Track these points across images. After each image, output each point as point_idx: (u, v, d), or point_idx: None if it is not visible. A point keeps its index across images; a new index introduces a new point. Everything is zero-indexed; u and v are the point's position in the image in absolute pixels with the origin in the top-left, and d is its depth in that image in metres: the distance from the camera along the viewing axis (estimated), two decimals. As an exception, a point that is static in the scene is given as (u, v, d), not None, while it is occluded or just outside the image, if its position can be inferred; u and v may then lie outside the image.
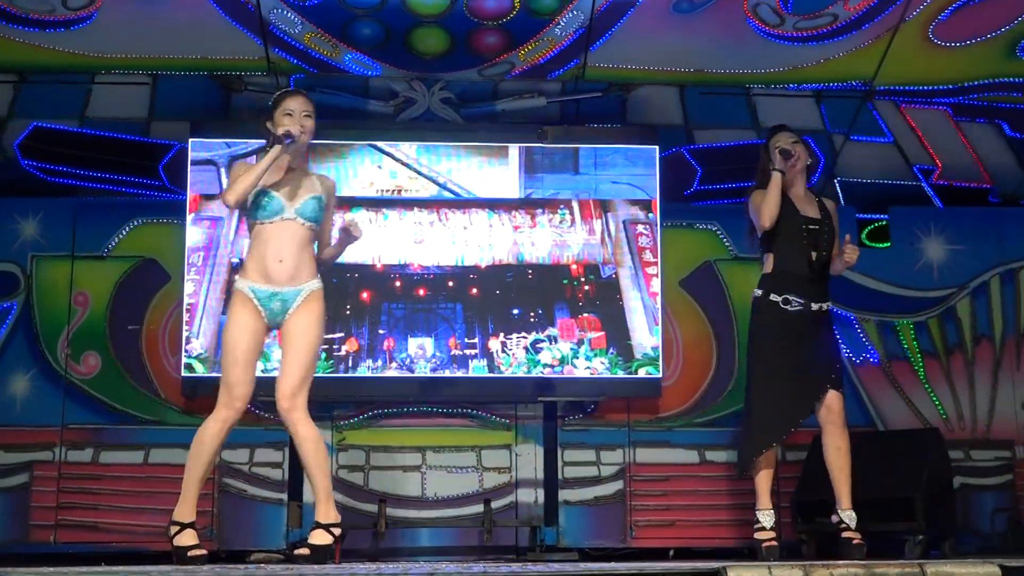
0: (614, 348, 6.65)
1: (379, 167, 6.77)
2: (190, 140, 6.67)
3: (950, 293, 7.09)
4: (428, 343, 6.62)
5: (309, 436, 4.49)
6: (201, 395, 6.54)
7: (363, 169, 6.77)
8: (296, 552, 4.49)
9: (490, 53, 6.61)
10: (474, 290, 6.70)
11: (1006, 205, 7.32)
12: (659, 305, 6.71)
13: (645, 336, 6.68)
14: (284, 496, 6.63)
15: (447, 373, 6.61)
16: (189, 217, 6.61)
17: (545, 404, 6.78)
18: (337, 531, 4.46)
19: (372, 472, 6.72)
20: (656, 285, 6.73)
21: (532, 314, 6.67)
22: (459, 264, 6.72)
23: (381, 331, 6.61)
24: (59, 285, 6.76)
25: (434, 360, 6.61)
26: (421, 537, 6.67)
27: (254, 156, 4.60)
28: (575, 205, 6.82)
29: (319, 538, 4.44)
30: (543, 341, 6.65)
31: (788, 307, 5.00)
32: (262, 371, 6.44)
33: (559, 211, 6.81)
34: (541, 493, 6.75)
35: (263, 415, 6.68)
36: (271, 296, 4.43)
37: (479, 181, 6.79)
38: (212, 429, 4.38)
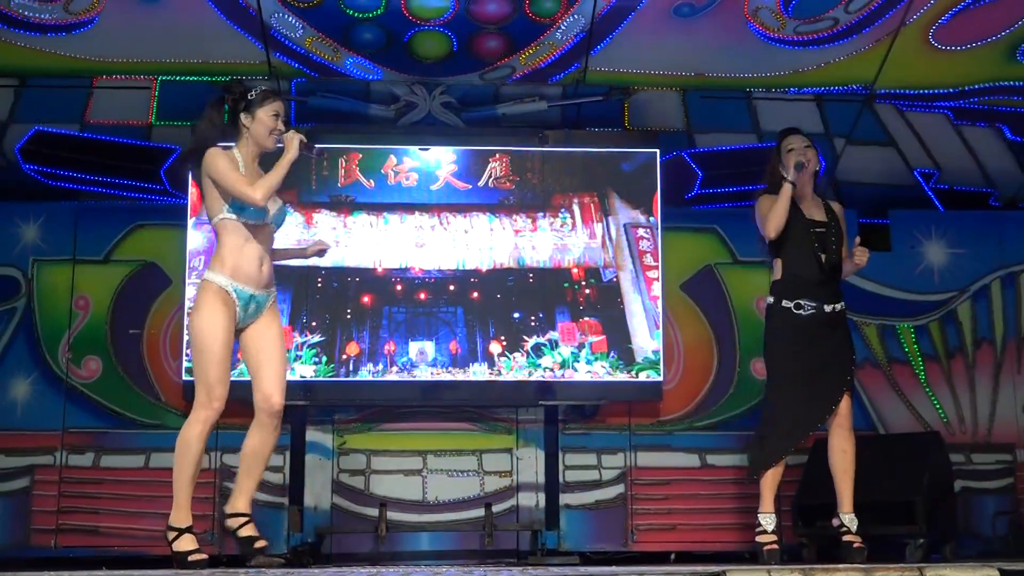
0: (615, 352, 6.65)
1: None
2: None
3: (951, 296, 7.09)
4: (429, 347, 6.62)
5: (274, 444, 4.47)
6: (202, 399, 6.55)
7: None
8: (258, 547, 4.41)
9: (491, 57, 6.61)
10: (475, 294, 6.70)
11: (1007, 208, 7.33)
12: (660, 309, 6.71)
13: (646, 339, 6.68)
14: (285, 500, 6.64)
15: (448, 376, 6.61)
16: (190, 221, 6.62)
17: (546, 408, 6.78)
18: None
19: (373, 476, 6.72)
20: (657, 289, 6.73)
21: (533, 318, 6.67)
22: (460, 268, 6.72)
23: (382, 335, 6.61)
24: (60, 289, 6.77)
25: (435, 364, 6.61)
26: (422, 541, 6.67)
27: (234, 149, 4.36)
28: (576, 208, 6.82)
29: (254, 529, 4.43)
30: (544, 345, 6.65)
31: (801, 312, 5.00)
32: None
33: (560, 214, 6.81)
34: (542, 497, 6.75)
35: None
36: (250, 299, 4.37)
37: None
38: (196, 431, 4.28)
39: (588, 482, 6.77)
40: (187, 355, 6.49)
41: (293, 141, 4.43)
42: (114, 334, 6.74)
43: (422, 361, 6.59)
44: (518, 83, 6.90)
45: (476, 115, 7.02)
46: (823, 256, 5.04)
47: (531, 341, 6.64)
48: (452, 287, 6.69)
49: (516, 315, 6.68)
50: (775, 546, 4.97)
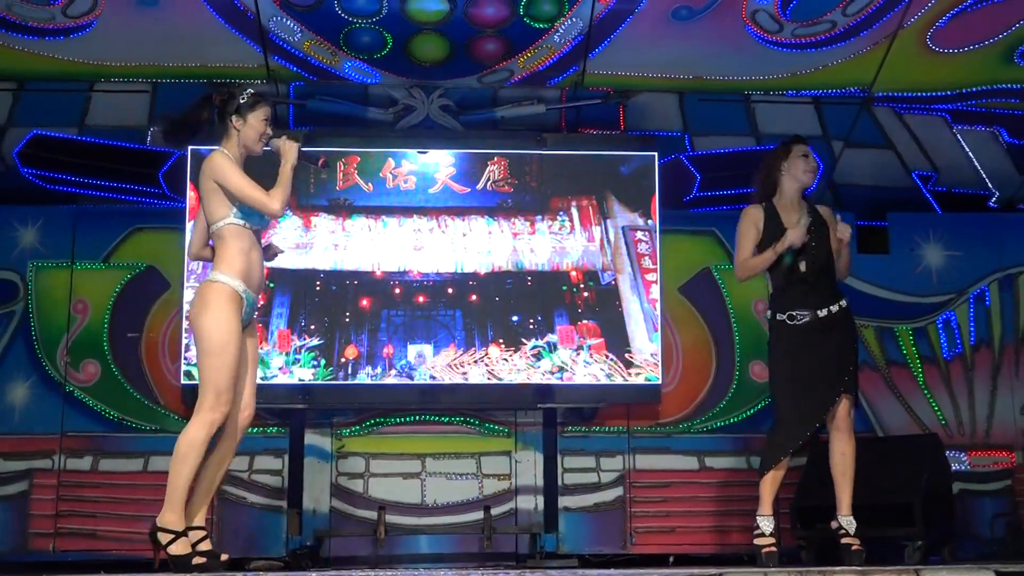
0: (613, 354, 6.65)
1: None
2: (189, 148, 6.66)
3: (949, 299, 7.10)
4: (428, 350, 6.62)
5: (232, 456, 4.45)
6: (201, 402, 6.54)
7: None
8: (224, 559, 4.32)
9: (489, 60, 6.62)
10: (473, 297, 6.70)
11: (1004, 211, 7.33)
12: (658, 311, 6.72)
13: (644, 342, 6.68)
14: (284, 503, 6.63)
15: (447, 379, 6.61)
16: (188, 224, 6.60)
17: (545, 411, 6.78)
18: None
19: (372, 479, 6.72)
20: (655, 291, 6.73)
21: (531, 321, 6.67)
22: (458, 271, 6.72)
23: (381, 338, 6.61)
24: (58, 293, 6.76)
25: (433, 367, 6.61)
26: (421, 544, 6.67)
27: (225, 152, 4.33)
28: (574, 211, 6.83)
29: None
30: (543, 348, 6.65)
31: (796, 322, 5.02)
32: (261, 378, 6.49)
33: (558, 217, 6.81)
34: (541, 500, 6.75)
35: (264, 422, 6.70)
36: (252, 304, 4.35)
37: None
38: (202, 435, 4.19)
39: (587, 485, 6.77)
40: (186, 358, 6.49)
41: (292, 149, 4.41)
42: (112, 338, 6.74)
43: (420, 364, 6.59)
44: (516, 86, 6.90)
45: (474, 118, 7.03)
46: (802, 265, 5.03)
47: (530, 344, 6.64)
48: (450, 290, 6.70)
49: (515, 318, 6.68)
50: (773, 548, 4.97)
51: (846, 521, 4.97)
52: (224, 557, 4.37)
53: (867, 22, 6.32)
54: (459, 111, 6.98)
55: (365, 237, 6.71)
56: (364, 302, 6.66)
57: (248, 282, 4.29)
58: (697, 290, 7.01)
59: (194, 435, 4.20)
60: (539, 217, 6.81)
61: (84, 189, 6.87)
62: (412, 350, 6.60)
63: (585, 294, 6.73)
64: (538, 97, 6.99)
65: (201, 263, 6.43)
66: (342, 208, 6.71)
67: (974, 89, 6.82)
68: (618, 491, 6.77)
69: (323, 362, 6.54)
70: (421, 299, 6.68)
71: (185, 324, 6.52)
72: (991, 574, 3.82)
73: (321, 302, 6.62)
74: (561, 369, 6.62)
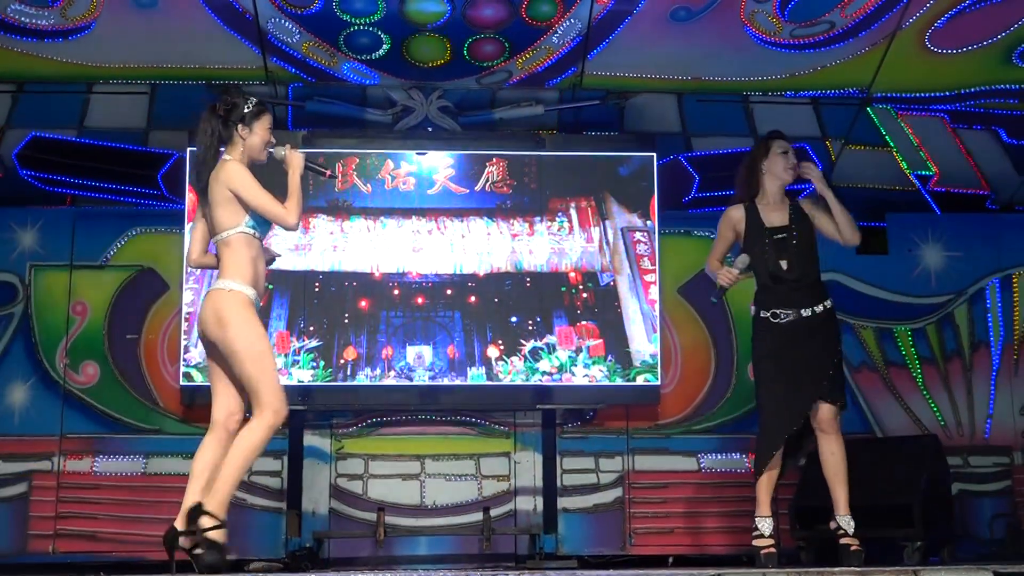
0: (612, 356, 6.66)
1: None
2: (188, 149, 6.65)
3: (948, 299, 7.10)
4: (427, 351, 6.62)
5: None
6: (199, 404, 6.53)
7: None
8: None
9: (488, 61, 6.62)
10: (472, 298, 6.70)
11: (1003, 211, 7.33)
12: (657, 312, 6.72)
13: (643, 343, 6.68)
14: (283, 505, 6.63)
15: (446, 381, 6.61)
16: (187, 226, 6.60)
17: (544, 412, 6.78)
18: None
19: (371, 480, 6.72)
20: (654, 292, 6.73)
21: (530, 322, 6.67)
22: (457, 272, 6.72)
23: (380, 339, 6.61)
24: (58, 294, 6.76)
25: (433, 368, 6.61)
26: (420, 545, 6.67)
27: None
28: (573, 212, 6.83)
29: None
30: (542, 349, 6.65)
31: (779, 320, 5.01)
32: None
33: (557, 218, 6.81)
34: (540, 501, 6.75)
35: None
36: (258, 311, 4.36)
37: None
38: (266, 437, 4.21)
39: (586, 486, 6.77)
40: (185, 360, 6.49)
41: (298, 159, 4.43)
42: (112, 339, 6.74)
43: (420, 365, 6.59)
44: (515, 87, 6.91)
45: (473, 119, 7.03)
46: (783, 263, 5.01)
47: (529, 345, 6.64)
48: (449, 291, 6.70)
49: (513, 319, 6.68)
50: (772, 550, 4.97)
51: (845, 521, 4.97)
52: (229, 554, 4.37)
53: (866, 23, 6.32)
54: (458, 112, 6.98)
55: (364, 238, 6.72)
56: (363, 303, 6.66)
57: (256, 289, 4.31)
58: (696, 291, 7.00)
59: (256, 436, 4.19)
60: (538, 218, 6.81)
61: (83, 191, 6.88)
62: (411, 351, 6.61)
63: (584, 295, 6.73)
64: (537, 98, 6.99)
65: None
66: (341, 209, 6.72)
67: (973, 90, 6.82)
68: (617, 492, 6.77)
69: (322, 363, 6.54)
70: (420, 300, 6.68)
71: (184, 326, 6.52)
72: (989, 574, 3.82)
73: (320, 304, 6.62)
74: (560, 370, 6.62)
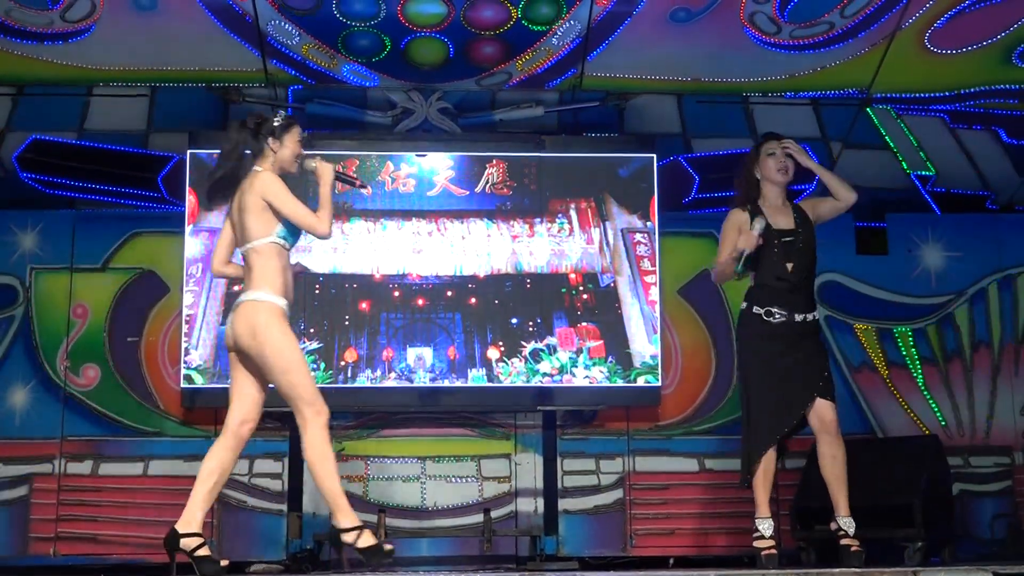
0: (613, 357, 6.66)
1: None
2: (188, 152, 6.68)
3: (948, 300, 7.10)
4: (427, 353, 6.62)
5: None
6: (200, 406, 6.57)
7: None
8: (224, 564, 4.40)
9: (488, 63, 6.63)
10: (473, 300, 6.70)
11: (1003, 211, 7.33)
12: (657, 313, 6.72)
13: (644, 344, 6.68)
14: (284, 507, 6.64)
15: (446, 383, 6.61)
16: (187, 228, 6.62)
17: (544, 413, 6.78)
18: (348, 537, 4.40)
19: (371, 482, 6.73)
20: (654, 293, 6.74)
21: (531, 323, 6.67)
22: (458, 274, 6.73)
23: (380, 341, 6.61)
24: (58, 297, 6.77)
25: (433, 370, 6.61)
26: (421, 547, 6.67)
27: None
28: (573, 214, 6.83)
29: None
30: (542, 350, 6.65)
31: (772, 319, 5.01)
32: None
33: (557, 220, 6.82)
34: (541, 502, 6.75)
35: (264, 425, 6.69)
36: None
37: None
38: (326, 436, 4.31)
39: (587, 487, 6.77)
40: (186, 362, 6.49)
41: (328, 170, 4.50)
42: (112, 342, 6.74)
43: (420, 367, 6.59)
44: (515, 89, 6.91)
45: (473, 121, 7.03)
46: (789, 265, 5.02)
47: (529, 347, 6.64)
48: (450, 293, 6.70)
49: (514, 321, 6.68)
50: (773, 551, 4.97)
51: (845, 522, 4.97)
52: (224, 562, 4.41)
53: (865, 23, 6.32)
54: (458, 114, 6.98)
55: (364, 240, 6.72)
56: (363, 305, 6.66)
57: (287, 299, 4.37)
58: (696, 292, 7.01)
59: (318, 443, 4.29)
60: (538, 219, 6.81)
61: (83, 193, 6.87)
62: (411, 353, 6.61)
63: (584, 296, 6.73)
64: (536, 100, 6.99)
65: (200, 268, 6.53)
66: (341, 211, 6.71)
67: (972, 90, 6.82)
68: (618, 493, 6.77)
69: (323, 365, 6.54)
70: (420, 302, 6.68)
71: (184, 328, 6.52)
72: (988, 575, 3.82)
73: (320, 305, 6.62)
74: (560, 371, 6.62)
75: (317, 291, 6.63)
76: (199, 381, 6.49)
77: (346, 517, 4.28)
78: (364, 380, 6.57)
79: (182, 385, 6.52)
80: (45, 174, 6.79)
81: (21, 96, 6.74)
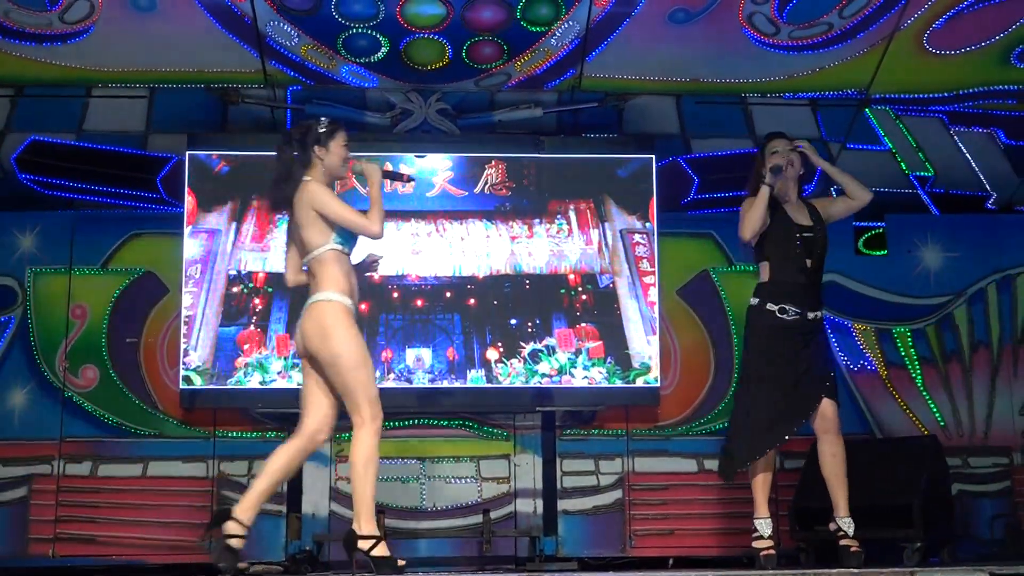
0: (612, 357, 6.66)
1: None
2: (187, 153, 6.68)
3: (947, 300, 7.11)
4: (426, 354, 6.62)
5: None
6: (199, 407, 6.57)
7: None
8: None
9: (486, 64, 6.63)
10: (472, 300, 6.70)
11: (1002, 212, 7.33)
12: (656, 314, 6.72)
13: (643, 345, 6.68)
14: (283, 508, 6.64)
15: (445, 384, 6.61)
16: (186, 230, 6.62)
17: (544, 414, 6.78)
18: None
19: (371, 483, 6.71)
20: (653, 294, 6.74)
21: (530, 324, 6.67)
22: (456, 275, 6.72)
23: (379, 342, 6.61)
24: (57, 298, 6.77)
25: (432, 371, 6.61)
26: (420, 547, 6.67)
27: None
28: (572, 214, 6.83)
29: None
30: (541, 351, 6.65)
31: (784, 316, 5.00)
32: (260, 383, 6.50)
33: (556, 221, 6.82)
34: (540, 503, 6.75)
35: (263, 427, 6.71)
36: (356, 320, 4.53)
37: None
38: (374, 443, 4.35)
39: (586, 488, 6.77)
40: (185, 363, 6.49)
41: (375, 170, 4.57)
42: (111, 343, 6.74)
43: (419, 368, 6.59)
44: (514, 90, 6.91)
45: (472, 122, 7.03)
46: (808, 261, 5.03)
47: (528, 347, 6.64)
48: (449, 294, 6.70)
49: (513, 321, 6.68)
50: (772, 551, 4.98)
51: (844, 523, 4.97)
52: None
53: (864, 24, 6.32)
54: (456, 115, 6.98)
55: (363, 241, 6.68)
56: (362, 306, 6.64)
57: (352, 300, 4.43)
58: (695, 293, 7.01)
59: (367, 447, 4.34)
60: (537, 220, 6.81)
61: (82, 195, 6.87)
62: (411, 354, 6.61)
63: (583, 297, 6.73)
64: (535, 100, 6.99)
65: (199, 269, 6.54)
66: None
67: (971, 90, 6.82)
68: (617, 494, 6.77)
69: (322, 366, 6.53)
70: (419, 303, 6.68)
71: (183, 329, 6.52)
72: (985, 575, 3.82)
73: (319, 306, 6.61)
74: (560, 372, 6.62)
75: (316, 292, 6.62)
76: (198, 382, 6.49)
77: (368, 524, 4.32)
78: (363, 381, 6.56)
79: (181, 386, 6.51)
80: (44, 175, 6.78)
81: (20, 97, 6.74)
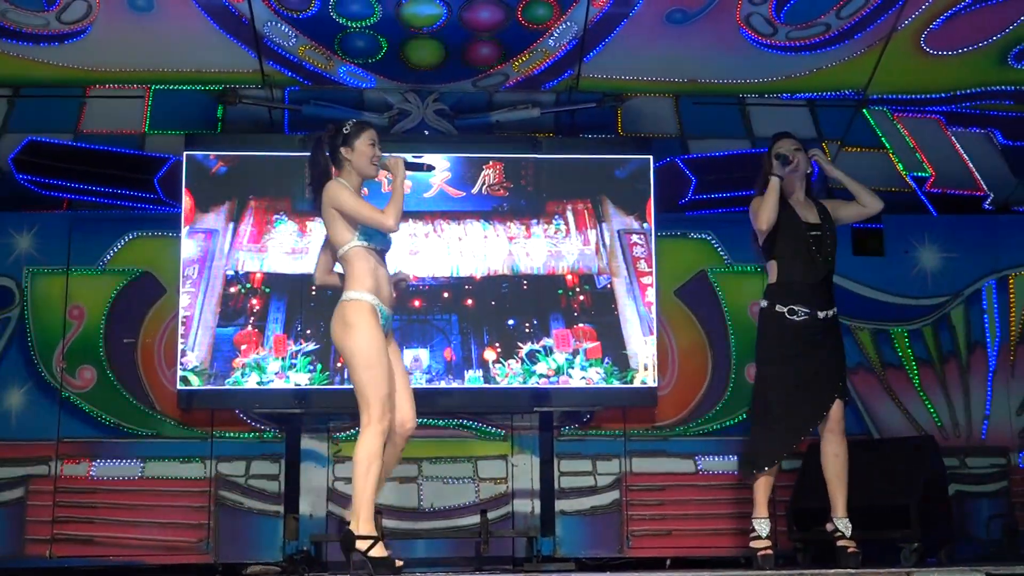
0: (609, 358, 6.66)
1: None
2: (185, 153, 6.67)
3: (944, 301, 7.11)
4: (424, 354, 6.62)
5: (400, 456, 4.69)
6: (197, 408, 6.56)
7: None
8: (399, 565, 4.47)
9: (484, 64, 6.63)
10: (469, 301, 6.70)
11: (999, 213, 7.34)
12: (654, 315, 6.72)
13: (640, 346, 6.68)
14: (280, 508, 6.63)
15: (443, 384, 6.61)
16: (184, 230, 6.61)
17: (541, 414, 6.78)
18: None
19: (368, 484, 6.70)
20: (651, 295, 6.74)
21: (527, 325, 6.67)
22: (454, 275, 6.72)
23: (377, 342, 6.60)
24: (54, 299, 6.76)
25: (430, 371, 6.61)
26: (417, 548, 6.66)
27: (342, 181, 4.62)
28: (569, 215, 6.83)
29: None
30: (539, 351, 6.65)
31: (794, 317, 5.01)
32: (257, 383, 6.49)
33: (553, 221, 6.82)
34: (537, 503, 6.75)
35: (261, 427, 6.71)
36: (387, 319, 4.59)
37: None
38: (379, 444, 4.39)
39: (583, 488, 6.77)
40: (182, 363, 6.48)
41: (399, 164, 4.66)
42: (108, 343, 6.73)
43: (417, 368, 6.58)
44: (511, 90, 6.91)
45: (469, 122, 7.03)
46: (817, 259, 5.04)
47: (526, 348, 6.64)
48: (446, 294, 6.70)
49: (510, 322, 6.68)
50: (769, 552, 4.99)
51: (842, 523, 4.98)
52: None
53: (861, 24, 6.33)
54: (454, 115, 6.98)
55: (397, 246, 6.66)
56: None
57: (381, 297, 4.51)
58: (693, 293, 7.01)
59: (370, 446, 4.38)
60: (535, 221, 6.81)
61: (79, 195, 6.87)
62: (408, 354, 6.59)
63: (581, 298, 6.73)
64: (533, 101, 6.99)
65: (197, 270, 6.53)
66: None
67: (968, 91, 6.83)
68: (614, 494, 6.77)
69: (319, 367, 6.54)
70: (417, 303, 6.68)
71: (181, 330, 6.51)
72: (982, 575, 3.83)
73: (317, 307, 6.61)
74: (557, 372, 6.62)
75: (313, 292, 6.61)
76: (195, 383, 6.49)
77: (366, 525, 4.35)
78: (361, 381, 6.55)
79: (178, 387, 6.50)
80: (41, 176, 6.78)
81: (17, 98, 6.73)
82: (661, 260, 6.82)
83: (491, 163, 6.85)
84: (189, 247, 6.60)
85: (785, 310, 5.03)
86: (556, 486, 6.76)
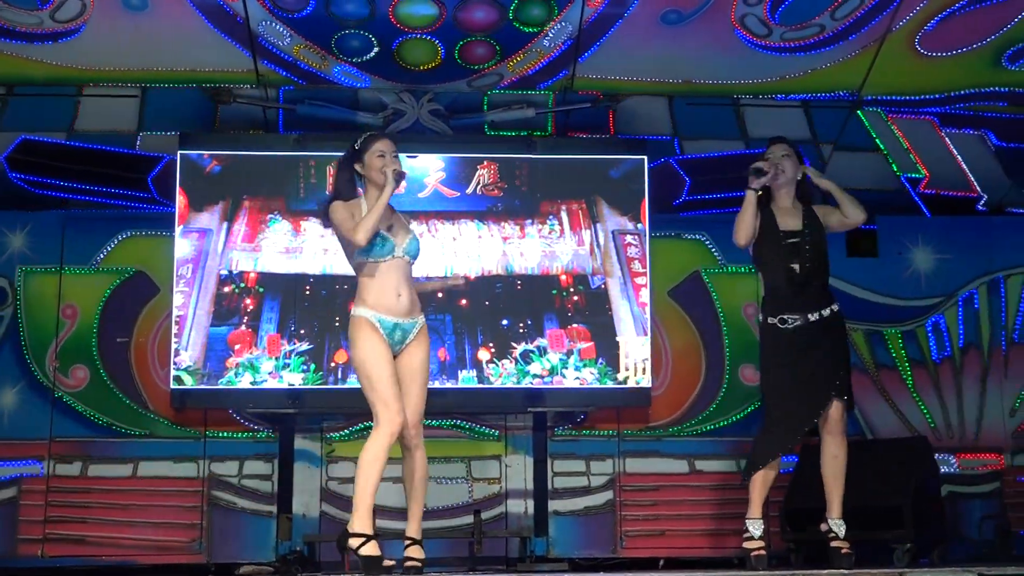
0: (603, 358, 6.66)
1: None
2: (179, 152, 6.66)
3: (938, 302, 7.12)
4: (418, 354, 6.60)
5: (424, 461, 4.75)
6: (190, 407, 6.55)
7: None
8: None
9: (479, 64, 6.62)
10: (463, 301, 6.69)
11: (993, 214, 7.35)
12: (648, 315, 6.72)
13: (634, 346, 6.68)
14: (273, 508, 6.63)
15: (436, 384, 6.60)
16: (178, 229, 6.60)
17: (535, 415, 6.78)
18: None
19: (362, 484, 6.70)
20: (645, 295, 6.74)
21: (521, 325, 6.67)
22: (448, 275, 6.71)
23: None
24: (47, 298, 6.75)
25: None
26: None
27: (360, 197, 4.65)
28: (564, 215, 6.83)
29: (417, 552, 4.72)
30: (532, 352, 6.65)
31: (786, 326, 5.03)
32: (251, 383, 6.49)
33: (548, 221, 6.81)
34: (531, 503, 6.75)
35: (254, 427, 6.70)
36: (394, 327, 4.61)
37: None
38: (385, 445, 4.49)
39: (577, 488, 6.77)
40: (176, 363, 6.48)
41: (388, 178, 4.64)
42: (102, 343, 6.72)
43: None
44: (506, 90, 6.91)
45: (464, 122, 7.02)
46: (796, 266, 5.04)
47: (519, 348, 6.64)
48: (440, 294, 6.67)
49: (504, 322, 6.68)
50: (762, 552, 4.99)
51: (836, 524, 4.99)
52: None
53: (856, 26, 6.33)
54: (449, 115, 6.98)
55: (427, 254, 6.66)
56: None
57: (379, 308, 4.58)
58: (687, 294, 7.02)
59: (375, 448, 4.50)
60: (529, 221, 6.81)
61: (73, 194, 6.86)
62: (402, 354, 6.58)
63: (575, 298, 6.73)
64: (528, 101, 6.99)
65: (190, 269, 6.53)
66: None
67: (962, 92, 6.84)
68: (608, 495, 6.77)
69: (313, 367, 6.53)
70: (411, 303, 6.66)
71: (174, 329, 6.50)
72: (974, 576, 3.83)
73: (311, 307, 6.61)
74: (551, 373, 6.62)
75: (307, 292, 6.62)
76: (189, 382, 6.48)
77: (361, 523, 4.47)
78: (354, 381, 6.49)
79: (172, 386, 6.49)
80: (34, 174, 6.77)
81: (10, 96, 6.72)
82: (655, 260, 6.82)
83: (485, 163, 6.85)
84: (183, 246, 6.59)
85: (776, 320, 5.05)
86: (550, 486, 6.77)
